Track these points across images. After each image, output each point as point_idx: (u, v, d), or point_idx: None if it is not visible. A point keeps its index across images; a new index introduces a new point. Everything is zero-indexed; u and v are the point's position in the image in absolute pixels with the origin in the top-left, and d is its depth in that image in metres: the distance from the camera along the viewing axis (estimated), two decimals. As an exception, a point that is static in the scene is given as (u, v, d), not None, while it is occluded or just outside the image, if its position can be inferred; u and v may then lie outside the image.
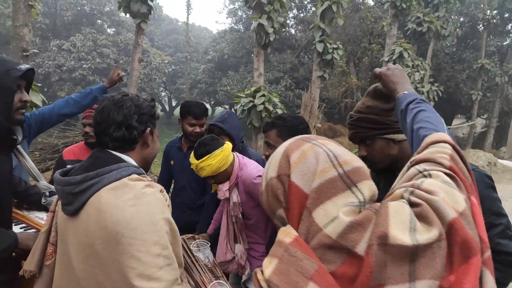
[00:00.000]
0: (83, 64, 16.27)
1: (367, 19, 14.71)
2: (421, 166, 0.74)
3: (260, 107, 6.91)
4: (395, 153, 1.39)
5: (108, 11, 19.33)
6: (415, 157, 0.79)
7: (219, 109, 31.26)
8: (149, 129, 1.22)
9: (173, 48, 27.33)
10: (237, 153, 2.18)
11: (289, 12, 19.08)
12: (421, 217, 0.62)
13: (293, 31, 19.83)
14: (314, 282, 0.60)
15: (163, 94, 25.99)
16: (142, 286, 0.96)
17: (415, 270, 0.58)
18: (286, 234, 0.67)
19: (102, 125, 1.17)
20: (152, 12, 6.55)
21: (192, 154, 2.04)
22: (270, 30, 7.45)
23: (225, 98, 19.17)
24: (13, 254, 1.53)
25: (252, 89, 7.26)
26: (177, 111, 28.94)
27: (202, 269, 1.61)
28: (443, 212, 0.61)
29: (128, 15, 6.81)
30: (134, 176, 1.11)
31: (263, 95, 7.03)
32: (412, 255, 0.58)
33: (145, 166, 1.26)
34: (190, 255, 1.63)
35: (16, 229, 1.74)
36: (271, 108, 7.00)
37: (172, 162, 2.86)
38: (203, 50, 24.84)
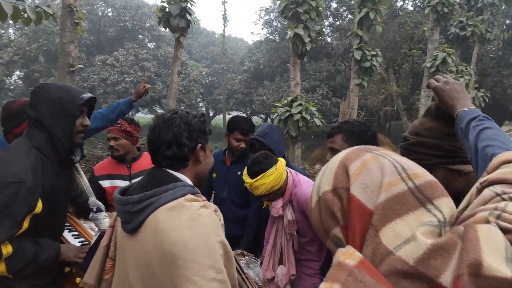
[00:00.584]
0: (125, 78, 16.98)
1: (406, 24, 14.32)
2: (497, 188, 0.63)
3: (297, 117, 6.85)
4: (460, 187, 1.14)
5: (148, 26, 20.12)
6: (487, 177, 0.68)
7: (255, 119, 31.48)
8: (199, 145, 1.22)
9: (210, 59, 27.95)
10: (290, 169, 2.12)
11: (324, 21, 18.98)
12: None
13: (329, 39, 19.68)
14: None
15: (200, 104, 26.56)
16: None
17: None
18: (349, 256, 0.55)
19: (154, 144, 1.19)
20: (190, 26, 6.71)
21: (245, 172, 2.01)
22: (307, 39, 7.41)
23: (261, 107, 19.28)
24: (67, 269, 1.66)
25: (289, 98, 7.23)
26: (214, 121, 29.46)
27: (252, 287, 1.59)
28: None
29: (167, 29, 7.02)
30: (190, 196, 1.12)
31: (300, 104, 6.98)
32: None
33: (198, 182, 1.27)
34: (241, 272, 1.60)
35: (68, 235, 1.89)
36: (308, 117, 6.92)
37: (214, 175, 2.85)
38: (239, 61, 25.22)
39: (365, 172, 0.61)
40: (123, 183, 2.44)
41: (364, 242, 0.57)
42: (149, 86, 2.61)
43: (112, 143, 2.47)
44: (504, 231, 0.54)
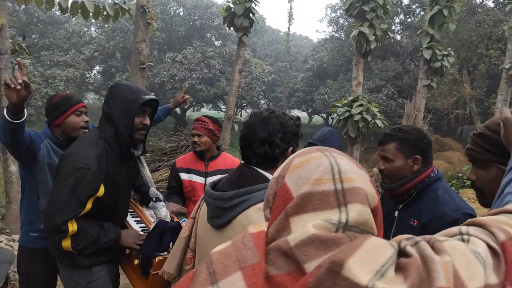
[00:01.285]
0: (192, 74, 17.73)
1: (484, 22, 13.20)
2: (468, 228, 0.64)
3: (357, 117, 6.71)
4: None
5: (216, 25, 20.76)
6: (475, 219, 0.68)
7: (315, 118, 31.08)
8: (291, 148, 1.24)
9: (274, 57, 28.12)
10: None
11: (395, 18, 18.17)
12: (402, 269, 0.52)
13: (398, 37, 18.82)
14: (242, 274, 0.56)
15: (262, 102, 26.88)
16: None
17: None
18: (256, 227, 0.64)
19: (247, 140, 1.23)
20: (253, 25, 6.87)
21: None
22: (372, 38, 7.21)
23: (322, 107, 19.03)
24: (127, 250, 1.85)
25: (349, 98, 7.10)
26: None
27: None
28: (434, 275, 0.51)
29: (232, 28, 7.26)
30: None
31: (361, 105, 6.82)
32: None
33: None
34: None
35: (131, 220, 2.08)
36: (369, 118, 6.75)
37: None
38: (303, 59, 25.07)
39: (304, 166, 0.65)
40: (199, 179, 2.61)
41: (275, 220, 0.62)
42: (187, 96, 2.76)
43: (195, 139, 2.63)
44: (404, 254, 0.55)
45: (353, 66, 7.81)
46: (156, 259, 1.74)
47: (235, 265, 0.56)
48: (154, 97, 1.82)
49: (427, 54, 8.14)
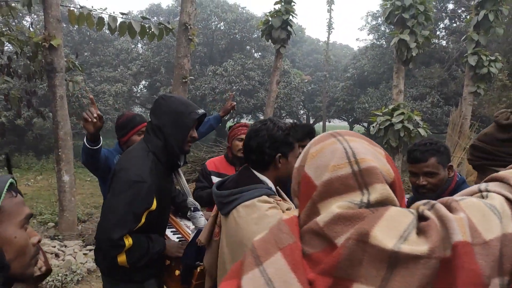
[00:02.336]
0: (232, 86, 18.12)
1: (537, 24, 12.44)
2: (487, 185, 0.68)
3: (398, 126, 6.56)
4: None
5: (255, 37, 21.12)
6: (495, 174, 0.71)
7: (356, 128, 30.50)
8: (279, 154, 1.46)
9: (313, 67, 28.04)
10: None
11: (439, 23, 17.57)
12: (422, 231, 0.58)
13: (443, 43, 18.15)
14: (282, 253, 0.63)
15: (301, 112, 26.82)
16: None
17: (391, 278, 0.55)
18: (288, 214, 0.72)
19: (245, 148, 1.52)
20: (290, 37, 6.97)
21: None
22: (413, 45, 7.06)
23: (363, 115, 18.67)
24: (167, 262, 1.93)
25: (390, 107, 6.96)
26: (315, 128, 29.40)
27: None
28: (451, 231, 0.56)
29: (269, 41, 7.41)
30: (263, 197, 1.37)
31: (402, 113, 6.67)
32: (390, 261, 0.56)
33: (280, 182, 1.53)
34: None
35: (168, 231, 2.15)
36: (411, 127, 6.57)
37: None
38: (343, 68, 24.80)
39: (319, 155, 0.71)
40: None
41: (304, 207, 0.70)
42: (235, 103, 2.89)
43: (242, 144, 2.76)
44: (423, 218, 0.61)
45: (394, 74, 7.68)
46: (198, 269, 1.76)
47: (275, 247, 0.65)
48: (204, 112, 1.89)
49: (472, 60, 7.82)
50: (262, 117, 24.49)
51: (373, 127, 7.01)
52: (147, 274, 1.82)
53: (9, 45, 5.42)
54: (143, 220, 1.68)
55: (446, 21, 18.09)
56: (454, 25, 17.74)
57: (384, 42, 19.78)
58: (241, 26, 20.42)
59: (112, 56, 19.79)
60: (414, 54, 7.18)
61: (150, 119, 1.85)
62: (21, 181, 10.58)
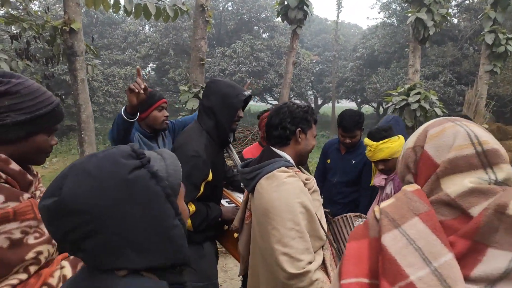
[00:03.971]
0: (241, 68, 18.04)
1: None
2: None
3: (415, 106, 6.53)
4: None
5: (264, 17, 20.88)
6: None
7: (365, 108, 30.30)
8: (299, 129, 1.58)
9: (322, 47, 27.71)
10: None
11: (451, 0, 17.19)
12: None
13: (455, 21, 17.79)
14: (420, 218, 0.70)
15: (309, 93, 26.68)
16: (278, 249, 1.38)
17: None
18: (411, 187, 0.78)
19: (267, 127, 1.64)
20: (307, 17, 6.91)
21: (366, 138, 2.25)
22: (430, 24, 6.95)
23: (373, 96, 18.54)
24: (225, 227, 2.10)
25: (406, 86, 6.92)
26: (322, 110, 29.28)
27: None
28: None
29: (280, 20, 7.35)
30: (282, 168, 1.49)
31: (419, 93, 6.63)
32: None
33: (300, 159, 1.64)
34: (353, 228, 1.81)
35: (223, 201, 2.34)
36: (427, 106, 6.55)
37: (328, 161, 3.03)
38: (352, 47, 24.48)
39: (441, 135, 0.77)
40: None
41: (425, 183, 0.77)
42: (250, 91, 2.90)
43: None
44: None
45: (410, 53, 7.58)
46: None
47: (410, 213, 0.72)
48: (250, 93, 2.04)
49: (489, 39, 7.69)
50: (269, 99, 24.39)
51: (384, 107, 6.97)
52: (205, 236, 2.02)
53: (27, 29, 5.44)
54: (202, 189, 1.89)
55: (459, -2, 17.68)
56: (467, 2, 17.34)
57: (395, 21, 19.43)
58: (249, 6, 20.16)
59: (120, 38, 19.72)
60: (431, 33, 7.07)
61: (202, 101, 2.01)
62: (38, 164, 10.75)
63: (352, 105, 29.07)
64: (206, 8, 5.71)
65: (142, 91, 1.91)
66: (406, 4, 8.61)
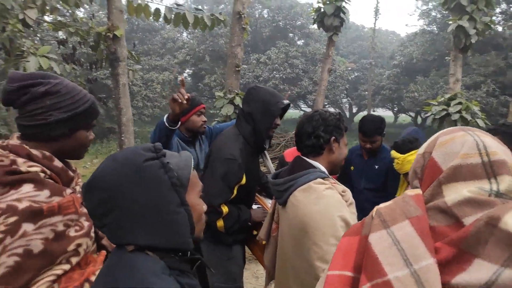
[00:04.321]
0: (275, 75, 18.12)
1: None
2: None
3: (455, 116, 6.30)
4: None
5: (299, 24, 20.91)
6: None
7: (402, 117, 29.48)
8: (333, 138, 1.51)
9: (358, 54, 27.33)
10: None
11: (496, 7, 16.47)
12: None
13: (500, 29, 17.03)
14: (410, 222, 0.71)
15: (344, 100, 26.31)
16: (320, 266, 1.31)
17: None
18: (412, 191, 0.79)
19: (298, 135, 1.56)
20: (343, 24, 6.87)
21: (393, 151, 2.21)
22: (472, 32, 6.70)
23: (411, 105, 18.04)
24: (254, 232, 2.12)
25: (446, 96, 6.70)
26: (356, 118, 28.80)
27: None
28: None
29: (316, 27, 7.33)
30: (318, 180, 1.42)
31: (460, 103, 6.40)
32: None
33: (332, 169, 1.56)
34: None
35: (254, 207, 2.36)
36: (469, 117, 6.30)
37: (352, 168, 3.01)
38: (389, 55, 23.98)
39: (450, 143, 0.77)
40: None
41: (428, 188, 0.77)
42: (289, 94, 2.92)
43: None
44: None
45: (451, 62, 7.34)
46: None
47: (402, 216, 0.74)
48: (288, 102, 2.07)
49: (538, 46, 7.30)
50: (303, 106, 24.29)
51: (422, 117, 6.77)
52: (235, 239, 2.06)
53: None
54: (235, 192, 1.93)
55: (503, 5, 16.92)
56: (513, 9, 16.58)
57: (435, 28, 18.88)
58: (285, 13, 20.26)
59: (159, 45, 20.36)
60: (473, 41, 6.81)
61: (242, 107, 2.07)
62: (79, 163, 11.29)
63: (388, 113, 28.38)
64: (243, 16, 5.81)
65: (185, 101, 1.98)
66: (447, 12, 8.33)
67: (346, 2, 6.75)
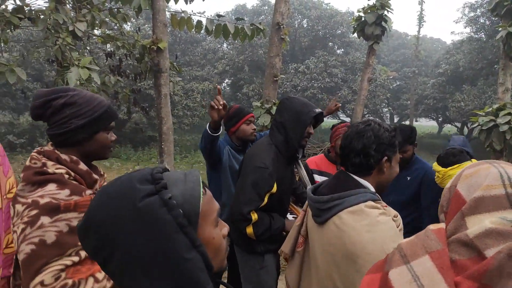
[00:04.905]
0: (314, 84, 18.02)
1: None
2: None
3: (504, 127, 5.95)
4: None
5: (339, 33, 20.71)
6: None
7: (447, 127, 28.22)
8: (385, 158, 1.34)
9: (400, 63, 26.60)
10: None
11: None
12: None
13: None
14: (429, 256, 0.71)
15: (385, 110, 25.63)
16: None
17: None
18: (435, 226, 0.77)
19: (345, 150, 1.38)
20: (385, 33, 6.73)
21: (435, 164, 2.15)
22: (524, 39, 6.35)
23: (457, 115, 17.25)
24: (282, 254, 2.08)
25: (495, 106, 6.36)
26: (399, 128, 27.86)
27: None
28: None
29: (361, 38, 7.23)
30: (370, 203, 1.28)
31: (509, 114, 6.04)
32: None
33: (380, 189, 1.40)
34: None
35: (289, 217, 2.40)
36: (519, 129, 5.93)
37: None
38: (434, 63, 23.13)
39: (474, 176, 0.76)
40: None
41: (452, 220, 0.75)
42: (339, 104, 2.94)
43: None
44: None
45: (500, 71, 6.98)
46: None
47: (423, 250, 0.73)
48: (320, 110, 2.08)
49: None
50: (341, 115, 23.92)
51: (468, 128, 6.46)
52: (268, 248, 2.07)
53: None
54: (265, 200, 1.94)
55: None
56: None
57: (483, 36, 18.02)
58: (324, 22, 20.17)
59: (200, 56, 20.93)
60: (525, 48, 6.46)
61: (275, 117, 2.11)
62: (122, 170, 11.78)
63: (432, 124, 27.27)
64: (282, 26, 5.86)
65: (221, 107, 2.05)
66: (496, 18, 7.95)
67: (388, 11, 6.62)
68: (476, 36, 18.54)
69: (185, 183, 0.76)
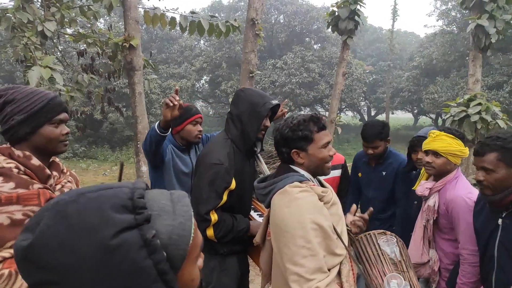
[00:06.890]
0: (292, 79, 18.10)
1: None
2: None
3: (475, 118, 6.13)
4: None
5: (315, 28, 20.83)
6: None
7: (422, 119, 28.89)
8: (294, 150, 1.53)
9: (376, 57, 27.02)
10: (460, 171, 2.12)
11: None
12: None
13: (524, 26, 16.52)
14: None
15: (362, 103, 26.01)
16: (290, 268, 1.33)
17: None
18: None
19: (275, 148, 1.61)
20: (358, 27, 6.80)
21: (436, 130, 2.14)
22: (492, 31, 6.53)
23: (431, 107, 17.67)
24: (256, 242, 2.03)
25: (466, 97, 6.54)
26: (377, 121, 28.37)
27: (386, 262, 1.67)
28: None
29: (332, 31, 7.29)
30: (295, 183, 1.45)
31: (479, 104, 6.23)
32: None
33: (315, 171, 1.57)
34: (377, 248, 1.70)
35: (254, 214, 2.33)
36: (489, 118, 6.12)
37: (360, 175, 2.96)
38: (408, 56, 23.63)
39: None
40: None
41: None
42: (286, 110, 2.82)
43: None
44: None
45: (470, 62, 7.17)
46: None
47: None
48: (277, 102, 2.02)
49: None
50: (320, 110, 24.15)
51: (443, 119, 6.62)
52: (231, 250, 1.98)
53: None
54: (224, 198, 1.87)
55: (528, 2, 16.44)
56: (538, 5, 16.06)
57: (455, 28, 18.49)
58: (301, 18, 20.26)
59: (177, 53, 20.68)
60: (493, 40, 6.63)
61: (230, 109, 2.02)
62: (99, 171, 11.55)
63: (408, 116, 27.84)
64: (256, 22, 5.84)
65: (176, 103, 1.95)
66: (467, 11, 8.15)
67: (361, 5, 6.69)
68: (448, 29, 19.01)
69: (173, 215, 0.60)
